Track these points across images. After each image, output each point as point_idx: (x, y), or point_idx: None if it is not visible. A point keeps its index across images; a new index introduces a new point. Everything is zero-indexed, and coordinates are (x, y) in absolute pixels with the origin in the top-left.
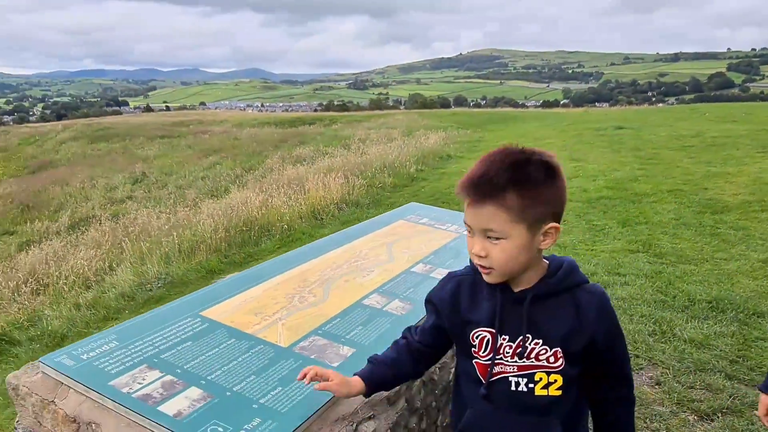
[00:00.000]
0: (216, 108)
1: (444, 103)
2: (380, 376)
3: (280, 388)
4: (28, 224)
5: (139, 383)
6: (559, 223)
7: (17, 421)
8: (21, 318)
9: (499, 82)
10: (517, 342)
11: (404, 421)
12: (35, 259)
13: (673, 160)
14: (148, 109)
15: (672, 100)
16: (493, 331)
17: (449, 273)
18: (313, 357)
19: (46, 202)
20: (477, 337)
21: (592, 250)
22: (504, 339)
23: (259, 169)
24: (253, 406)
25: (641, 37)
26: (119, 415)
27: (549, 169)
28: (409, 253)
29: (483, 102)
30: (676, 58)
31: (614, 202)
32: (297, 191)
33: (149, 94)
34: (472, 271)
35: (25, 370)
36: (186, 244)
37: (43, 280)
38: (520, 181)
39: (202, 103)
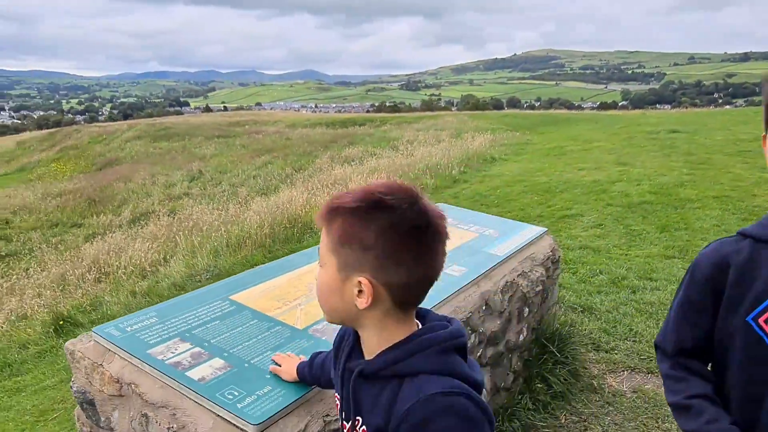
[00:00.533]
0: (271, 108)
1: (497, 105)
2: (312, 375)
3: None
4: (94, 217)
5: (172, 352)
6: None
7: (72, 381)
8: (84, 303)
9: (554, 83)
10: (350, 423)
11: None
12: (99, 250)
13: (725, 165)
14: (207, 109)
15: (740, 101)
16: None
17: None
18: (324, 338)
19: (111, 198)
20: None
21: (626, 254)
22: (343, 414)
23: (309, 169)
24: (266, 376)
25: (707, 36)
26: (154, 378)
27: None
28: None
29: (537, 103)
30: (745, 57)
31: (655, 207)
32: (341, 191)
33: (209, 94)
34: None
35: (80, 338)
36: (234, 239)
37: (104, 269)
38: (349, 211)
39: (258, 104)
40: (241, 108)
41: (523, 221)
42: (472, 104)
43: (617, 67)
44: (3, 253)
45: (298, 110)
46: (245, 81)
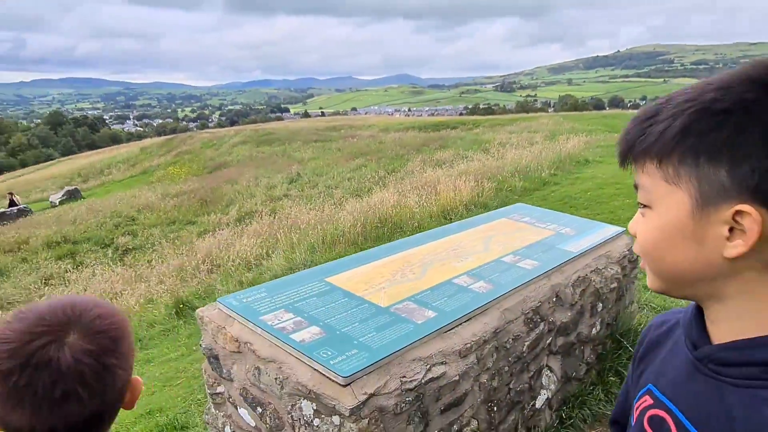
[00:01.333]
0: (365, 113)
1: (597, 105)
2: None
3: (375, 333)
4: (206, 216)
5: (279, 320)
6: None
7: (201, 340)
8: (199, 290)
9: (662, 80)
10: None
11: (474, 374)
12: (210, 245)
13: None
14: (306, 115)
15: None
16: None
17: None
18: (403, 315)
19: (220, 198)
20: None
21: None
22: None
23: (401, 172)
24: (354, 342)
25: None
26: (264, 339)
27: None
28: (503, 246)
29: (642, 102)
30: None
31: None
32: (429, 192)
33: (307, 101)
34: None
35: (207, 307)
36: (329, 237)
37: (215, 261)
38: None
39: (353, 109)
40: (337, 113)
41: (612, 224)
42: (570, 105)
43: (736, 61)
44: (130, 247)
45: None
46: (341, 87)
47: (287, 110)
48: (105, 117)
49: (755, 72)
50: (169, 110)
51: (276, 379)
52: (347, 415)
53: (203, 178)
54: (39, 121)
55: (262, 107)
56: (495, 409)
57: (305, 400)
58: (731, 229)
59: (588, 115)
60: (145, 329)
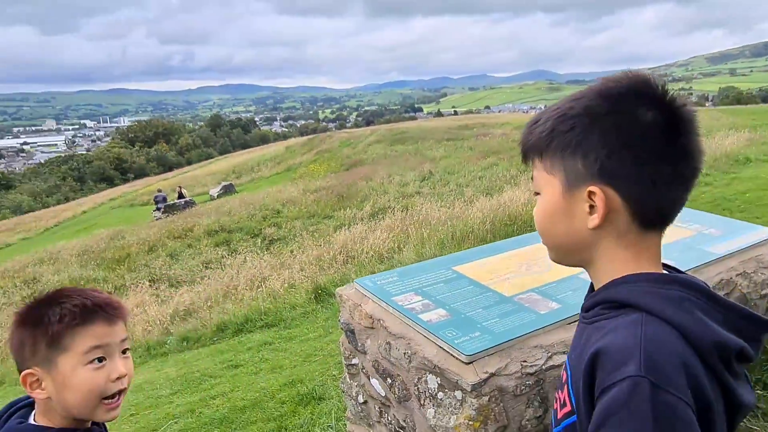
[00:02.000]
0: (499, 111)
1: (766, 97)
2: None
3: (498, 319)
4: (342, 211)
5: (409, 301)
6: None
7: (339, 316)
8: (336, 278)
9: None
10: None
11: None
12: (345, 238)
13: None
14: (439, 114)
15: None
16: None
17: None
18: (526, 305)
19: (355, 194)
20: None
21: None
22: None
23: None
24: (477, 325)
25: None
26: (395, 317)
27: None
28: None
29: None
30: None
31: None
32: None
33: (440, 100)
34: None
35: (346, 287)
36: (458, 233)
37: (350, 253)
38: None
39: (487, 107)
40: (470, 112)
41: None
42: (732, 97)
43: None
44: (275, 237)
45: (527, 112)
46: (475, 85)
47: (420, 110)
48: (256, 119)
49: (602, 85)
50: (311, 112)
51: (405, 353)
52: (469, 390)
53: (340, 175)
54: (202, 123)
55: (396, 107)
56: None
57: (430, 374)
58: (591, 207)
59: (756, 108)
60: (288, 311)
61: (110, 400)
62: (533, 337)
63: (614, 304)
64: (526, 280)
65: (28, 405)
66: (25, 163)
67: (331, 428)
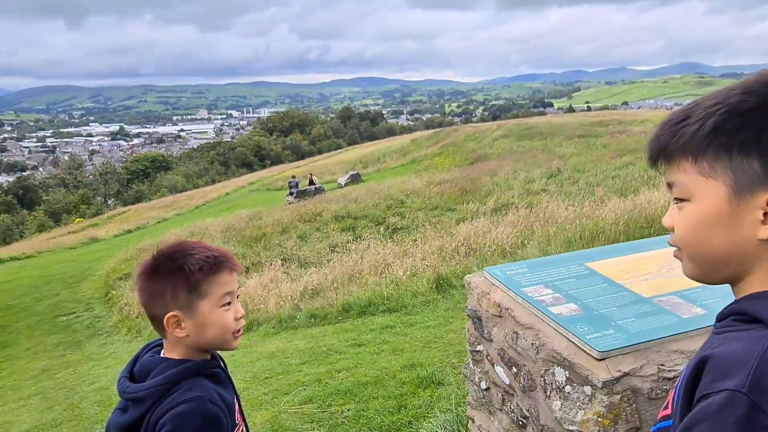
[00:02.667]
0: (639, 107)
1: None
2: None
3: (634, 319)
4: (464, 204)
5: (538, 293)
6: None
7: (467, 303)
8: (457, 270)
9: None
10: None
11: None
12: (468, 231)
13: None
14: (570, 109)
15: None
16: None
17: None
18: (667, 308)
19: (479, 188)
20: None
21: None
22: None
23: None
24: (611, 323)
25: None
26: (524, 307)
27: None
28: None
29: None
30: None
31: None
32: None
33: (573, 95)
34: None
35: (474, 275)
36: (587, 233)
37: (472, 246)
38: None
39: (625, 103)
40: (605, 108)
41: None
42: None
43: None
44: (399, 226)
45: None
46: (612, 79)
47: (551, 105)
48: (384, 112)
49: None
50: (437, 105)
51: (532, 344)
52: (600, 386)
53: (464, 168)
54: (333, 115)
55: (524, 102)
56: None
57: (558, 367)
58: (765, 214)
59: None
60: (410, 298)
61: (237, 333)
62: (673, 341)
63: (748, 317)
64: (667, 283)
65: (159, 345)
66: (180, 148)
67: (451, 412)
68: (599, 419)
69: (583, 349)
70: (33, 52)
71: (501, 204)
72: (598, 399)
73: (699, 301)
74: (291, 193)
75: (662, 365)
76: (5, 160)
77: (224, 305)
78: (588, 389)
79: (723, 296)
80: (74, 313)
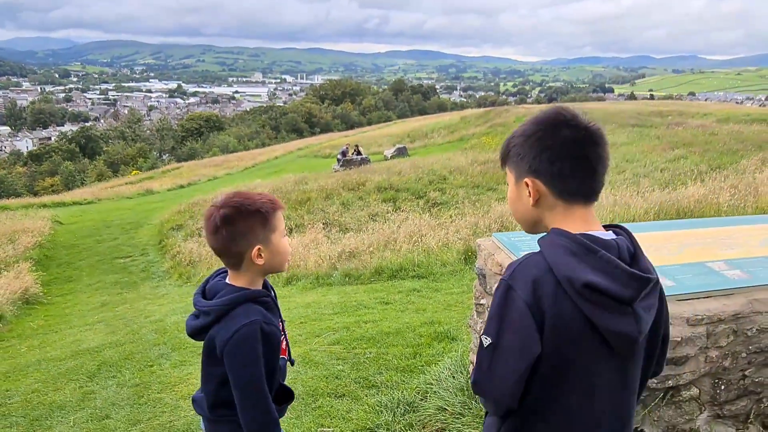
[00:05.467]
0: (706, 99)
1: None
2: None
3: None
4: (505, 185)
5: None
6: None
7: (476, 262)
8: None
9: None
10: None
11: (701, 344)
12: (503, 209)
13: None
14: (632, 97)
15: None
16: None
17: None
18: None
19: None
20: None
21: None
22: None
23: (728, 169)
24: None
25: None
26: None
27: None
28: None
29: None
30: None
31: None
32: (747, 193)
33: (636, 81)
34: None
35: (484, 239)
36: (616, 219)
37: (505, 224)
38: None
39: (691, 93)
40: (669, 97)
41: None
42: None
43: None
44: (438, 201)
45: (741, 102)
46: (681, 67)
47: (611, 90)
48: (437, 87)
49: (541, 114)
50: (492, 84)
51: None
52: None
53: None
54: (386, 87)
55: (584, 86)
56: (723, 387)
57: None
58: (530, 192)
59: None
60: (439, 266)
61: (289, 258)
62: None
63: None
64: (652, 259)
65: (225, 272)
66: (234, 110)
67: (457, 358)
68: None
69: None
70: (103, 4)
71: None
72: None
73: (673, 276)
74: (338, 161)
75: None
76: (70, 109)
77: (284, 236)
78: None
79: (694, 274)
80: (130, 256)
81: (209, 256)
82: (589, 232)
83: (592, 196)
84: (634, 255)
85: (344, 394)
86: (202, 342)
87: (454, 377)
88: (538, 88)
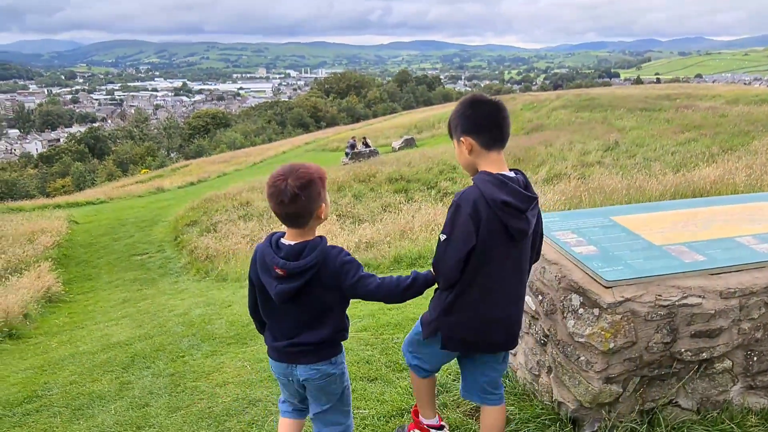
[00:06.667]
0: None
1: None
2: None
3: (642, 261)
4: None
5: (565, 237)
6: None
7: None
8: None
9: None
10: None
11: (734, 317)
12: None
13: None
14: (638, 81)
15: None
16: None
17: None
18: (673, 254)
19: (532, 158)
20: None
21: None
22: None
23: (740, 150)
24: (621, 261)
25: None
26: (552, 247)
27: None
28: None
29: None
30: None
31: None
32: (765, 172)
33: (642, 65)
34: None
35: None
36: (633, 203)
37: None
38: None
39: (698, 76)
40: (676, 80)
41: None
42: None
43: None
44: (449, 191)
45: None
46: (687, 50)
47: (617, 75)
48: (441, 77)
49: (468, 97)
50: (496, 72)
51: (555, 276)
52: (605, 308)
53: (519, 138)
54: (390, 79)
55: (589, 71)
56: (755, 358)
57: (575, 294)
58: (465, 147)
59: None
60: None
61: None
62: (672, 278)
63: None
64: (679, 235)
65: (280, 236)
66: (239, 106)
67: None
68: (602, 332)
69: (596, 279)
70: (105, 5)
71: (553, 174)
72: (603, 318)
73: (703, 250)
74: (347, 154)
75: (660, 295)
76: (77, 111)
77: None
78: (596, 310)
79: (724, 248)
80: (147, 253)
81: (226, 251)
82: (502, 173)
83: (502, 144)
84: (526, 185)
85: (376, 378)
86: (247, 323)
87: None
88: (543, 75)
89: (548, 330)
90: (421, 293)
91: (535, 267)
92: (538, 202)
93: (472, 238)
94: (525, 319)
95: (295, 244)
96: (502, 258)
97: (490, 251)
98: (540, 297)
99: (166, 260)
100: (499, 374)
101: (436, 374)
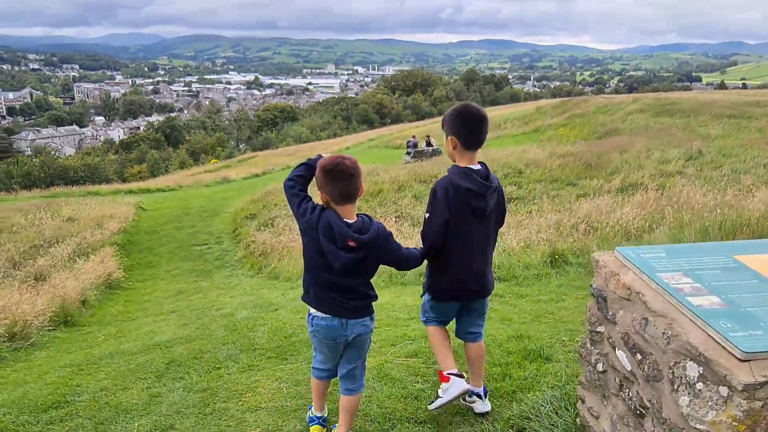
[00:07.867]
0: None
1: None
2: None
3: None
4: (587, 180)
5: (676, 281)
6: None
7: (593, 281)
8: (575, 247)
9: None
10: None
11: None
12: (589, 208)
13: None
14: (722, 86)
15: None
16: None
17: None
18: None
19: (605, 165)
20: None
21: None
22: None
23: None
24: (760, 323)
25: None
26: (657, 293)
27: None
28: None
29: None
30: None
31: None
32: None
33: (726, 69)
34: None
35: (603, 252)
36: (728, 224)
37: (593, 224)
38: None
39: None
40: (765, 86)
41: None
42: None
43: None
44: (514, 196)
45: None
46: None
47: (699, 79)
48: (509, 77)
49: (459, 106)
50: (568, 73)
51: (663, 333)
52: (739, 389)
53: (591, 142)
54: (457, 77)
55: (668, 74)
56: None
57: (692, 362)
58: (451, 144)
59: None
60: (522, 269)
61: None
62: None
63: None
64: None
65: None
66: (307, 101)
67: (559, 389)
68: (734, 423)
69: (723, 347)
70: (188, 1)
71: (628, 183)
72: (735, 402)
73: None
74: (408, 153)
75: None
76: (157, 101)
77: None
78: (724, 390)
79: None
80: (206, 244)
81: (280, 247)
82: (469, 166)
83: (478, 146)
84: (487, 175)
85: (425, 421)
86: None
87: (557, 414)
88: (618, 78)
89: (648, 401)
90: (426, 258)
91: (634, 316)
92: (497, 188)
93: (446, 213)
94: (615, 378)
95: (357, 220)
96: (470, 230)
97: (459, 225)
98: (639, 356)
99: (223, 252)
100: (475, 319)
101: (447, 329)
